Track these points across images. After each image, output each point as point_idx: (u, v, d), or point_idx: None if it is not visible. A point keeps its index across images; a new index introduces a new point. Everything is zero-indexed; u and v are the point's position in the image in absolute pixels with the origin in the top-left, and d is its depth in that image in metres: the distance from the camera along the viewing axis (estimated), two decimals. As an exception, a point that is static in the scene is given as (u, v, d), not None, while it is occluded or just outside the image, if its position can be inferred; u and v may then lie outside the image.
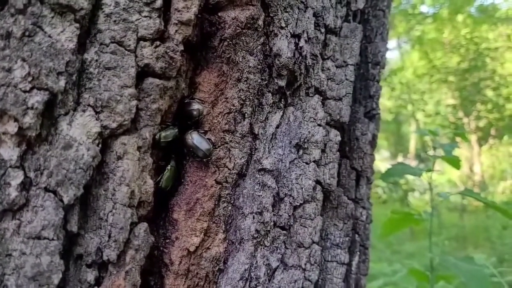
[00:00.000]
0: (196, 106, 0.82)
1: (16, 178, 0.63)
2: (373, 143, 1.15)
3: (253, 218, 0.86)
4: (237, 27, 0.82)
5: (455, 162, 1.71)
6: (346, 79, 1.01)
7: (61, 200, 0.65)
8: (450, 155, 1.62)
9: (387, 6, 1.20)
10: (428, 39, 11.30)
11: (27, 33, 0.63)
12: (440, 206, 7.12)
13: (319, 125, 0.95)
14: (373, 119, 1.13)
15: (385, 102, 12.95)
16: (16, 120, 0.63)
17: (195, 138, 0.81)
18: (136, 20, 0.72)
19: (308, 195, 0.93)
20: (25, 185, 0.65)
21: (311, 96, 0.96)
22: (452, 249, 6.08)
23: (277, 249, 0.89)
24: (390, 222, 1.74)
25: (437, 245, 5.68)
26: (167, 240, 0.81)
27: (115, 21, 0.71)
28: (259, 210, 0.86)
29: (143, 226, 0.74)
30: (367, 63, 1.14)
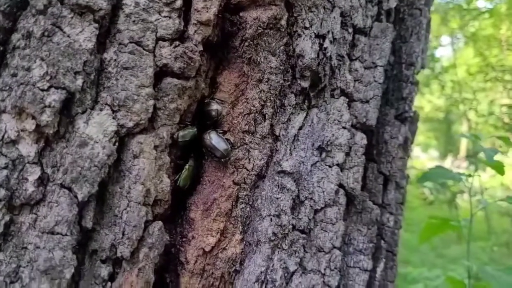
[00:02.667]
0: (215, 106, 0.82)
1: (33, 173, 0.65)
2: (405, 147, 1.11)
3: (271, 220, 0.85)
4: (259, 27, 0.81)
5: (499, 168, 1.63)
6: (375, 81, 0.98)
7: (76, 197, 0.67)
8: (492, 160, 1.54)
9: (425, 4, 1.15)
10: (484, 36, 10.81)
11: (46, 33, 0.65)
12: (490, 211, 6.84)
13: (344, 127, 0.93)
14: (405, 121, 1.09)
15: (436, 101, 12.54)
16: (34, 117, 0.65)
17: (213, 138, 0.81)
18: (156, 20, 0.72)
19: (329, 199, 0.90)
20: (43, 181, 0.67)
21: (337, 98, 0.94)
22: (501, 256, 5.82)
23: (295, 253, 0.88)
24: (427, 227, 1.69)
25: (485, 251, 5.46)
26: (184, 239, 0.82)
27: (134, 21, 0.71)
28: (276, 213, 0.85)
29: (158, 224, 0.75)
30: (401, 64, 1.10)
